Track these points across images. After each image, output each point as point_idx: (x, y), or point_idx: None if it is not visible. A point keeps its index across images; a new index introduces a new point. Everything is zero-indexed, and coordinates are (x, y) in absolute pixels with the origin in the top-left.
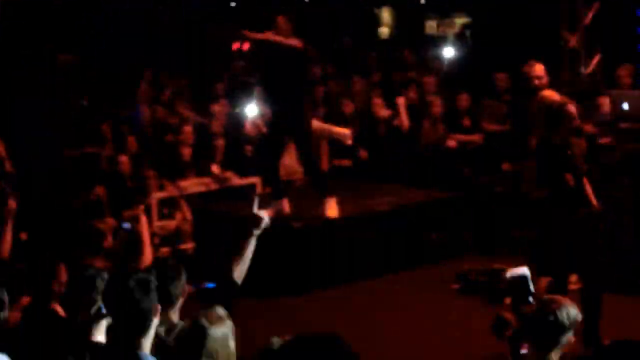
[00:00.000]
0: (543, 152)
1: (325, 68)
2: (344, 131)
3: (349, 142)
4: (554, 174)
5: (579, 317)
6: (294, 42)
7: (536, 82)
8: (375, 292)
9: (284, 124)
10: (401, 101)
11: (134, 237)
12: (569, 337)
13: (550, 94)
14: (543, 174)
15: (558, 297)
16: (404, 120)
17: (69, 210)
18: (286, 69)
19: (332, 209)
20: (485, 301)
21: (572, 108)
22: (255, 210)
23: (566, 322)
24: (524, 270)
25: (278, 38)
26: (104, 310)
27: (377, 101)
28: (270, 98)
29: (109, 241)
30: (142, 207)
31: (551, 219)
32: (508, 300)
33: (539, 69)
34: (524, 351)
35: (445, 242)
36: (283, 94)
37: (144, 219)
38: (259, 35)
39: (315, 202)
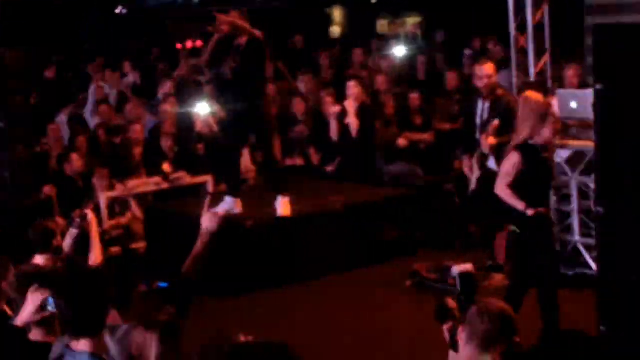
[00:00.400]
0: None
1: (276, 67)
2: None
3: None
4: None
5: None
6: (256, 32)
7: (486, 80)
8: (329, 290)
9: (246, 120)
10: (350, 105)
11: (83, 236)
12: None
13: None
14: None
15: (494, 300)
16: (354, 122)
17: (18, 210)
18: (247, 63)
19: (283, 207)
20: (438, 297)
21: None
22: (207, 209)
23: (499, 325)
24: (469, 266)
25: (243, 23)
26: (51, 307)
27: (328, 100)
28: (230, 95)
29: (58, 240)
30: (91, 206)
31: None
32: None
33: (488, 67)
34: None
35: (398, 240)
36: (245, 90)
37: (92, 218)
38: (228, 18)
39: (268, 201)
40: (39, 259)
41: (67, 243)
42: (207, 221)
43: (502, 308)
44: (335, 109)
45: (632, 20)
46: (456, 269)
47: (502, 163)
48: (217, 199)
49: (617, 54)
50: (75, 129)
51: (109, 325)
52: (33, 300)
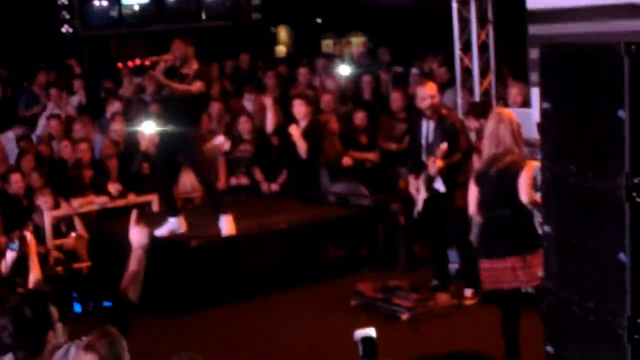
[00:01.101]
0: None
1: (222, 85)
2: (217, 142)
3: (226, 147)
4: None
5: None
6: (198, 86)
7: (428, 101)
8: (274, 310)
9: (173, 145)
10: (294, 129)
11: (23, 257)
12: None
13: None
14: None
15: None
16: (302, 146)
17: None
18: (182, 103)
19: (228, 226)
20: (383, 317)
21: None
22: (134, 225)
23: None
24: (371, 330)
25: (181, 87)
26: None
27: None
28: (162, 119)
29: None
30: (30, 227)
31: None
32: (405, 317)
33: (430, 88)
34: None
35: (343, 259)
36: (173, 117)
37: (31, 240)
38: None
39: (213, 220)
40: None
41: (5, 265)
42: (136, 235)
43: None
44: (295, 130)
45: (574, 28)
46: (358, 334)
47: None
48: (143, 216)
49: (563, 73)
50: (22, 147)
51: (51, 345)
52: None
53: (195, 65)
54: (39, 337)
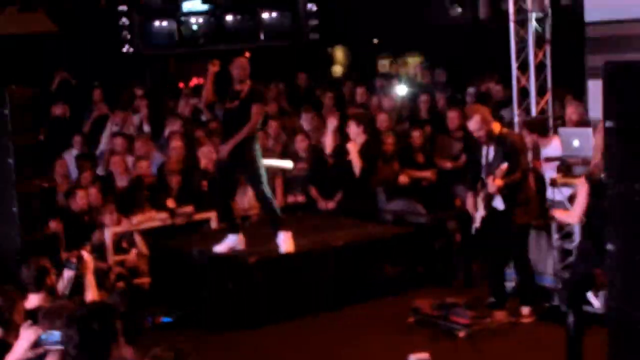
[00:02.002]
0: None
1: (280, 104)
2: (286, 164)
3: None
4: None
5: None
6: (258, 111)
7: (477, 133)
8: (331, 327)
9: (233, 162)
10: (352, 146)
11: (79, 277)
12: None
13: None
14: None
15: None
16: (357, 163)
17: (25, 244)
18: (245, 109)
19: (286, 243)
20: (440, 334)
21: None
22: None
23: None
24: (425, 356)
25: (250, 128)
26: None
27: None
28: (222, 136)
29: (52, 279)
30: (88, 247)
31: None
32: (462, 334)
33: (473, 124)
34: None
35: (399, 277)
36: (232, 134)
37: (88, 259)
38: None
39: (271, 237)
40: (33, 298)
41: (62, 284)
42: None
43: None
44: (353, 146)
45: (634, 57)
46: (413, 358)
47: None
48: (220, 236)
49: (628, 91)
50: (83, 165)
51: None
52: (26, 336)
53: (248, 83)
54: (103, 350)
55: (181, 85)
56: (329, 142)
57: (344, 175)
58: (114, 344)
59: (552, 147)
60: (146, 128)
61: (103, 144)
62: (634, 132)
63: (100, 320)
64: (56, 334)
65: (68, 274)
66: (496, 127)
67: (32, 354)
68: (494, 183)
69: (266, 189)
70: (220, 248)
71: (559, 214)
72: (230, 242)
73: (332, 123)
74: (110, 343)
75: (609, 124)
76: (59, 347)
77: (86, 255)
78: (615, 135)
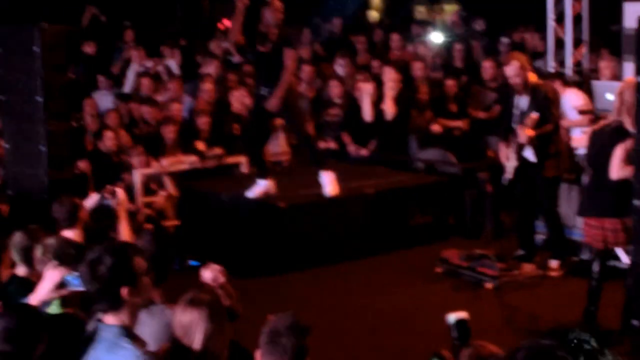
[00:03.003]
0: None
1: (314, 49)
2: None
3: None
4: None
5: None
6: (291, 56)
7: (514, 80)
8: (359, 274)
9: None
10: (387, 89)
11: (112, 212)
12: None
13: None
14: None
15: (486, 344)
16: (390, 107)
17: (53, 183)
18: (277, 53)
19: (330, 185)
20: (468, 285)
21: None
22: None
23: None
24: (464, 314)
25: (287, 80)
26: (69, 285)
27: (361, 85)
28: (257, 80)
29: (84, 214)
30: (122, 184)
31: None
32: (489, 285)
33: (510, 69)
34: None
35: (429, 226)
36: (271, 76)
37: (122, 196)
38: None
39: (302, 182)
40: (67, 234)
41: (89, 204)
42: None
43: (493, 352)
44: (369, 87)
45: None
46: (452, 317)
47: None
48: (250, 181)
49: None
50: (116, 105)
51: (145, 302)
52: (51, 277)
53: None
54: (114, 290)
55: (220, 26)
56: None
57: (377, 123)
58: (128, 285)
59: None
60: (175, 69)
61: (128, 84)
62: None
63: (114, 258)
64: (77, 280)
65: (103, 207)
66: (532, 77)
67: (56, 294)
68: (525, 133)
69: (307, 130)
70: (252, 193)
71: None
72: (262, 187)
73: (368, 89)
74: (122, 283)
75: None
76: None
77: (120, 191)
78: None
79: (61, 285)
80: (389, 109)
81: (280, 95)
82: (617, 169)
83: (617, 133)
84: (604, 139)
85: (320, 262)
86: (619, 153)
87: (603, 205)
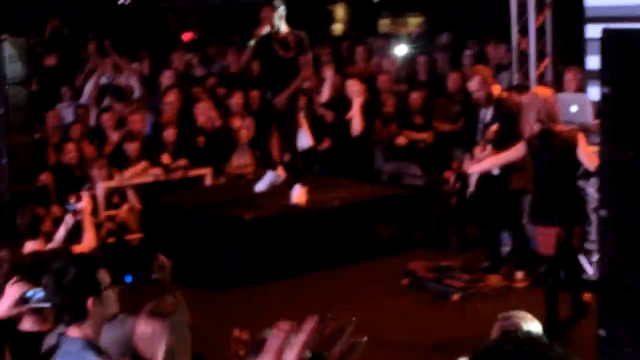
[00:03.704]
0: None
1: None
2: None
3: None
4: None
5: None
6: (309, 59)
7: (477, 94)
8: (324, 287)
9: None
10: (357, 103)
11: (77, 221)
12: None
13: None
14: None
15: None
16: (356, 120)
17: (14, 196)
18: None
19: (301, 196)
20: (434, 297)
21: None
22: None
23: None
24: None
25: (305, 77)
26: (31, 301)
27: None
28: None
29: (48, 226)
30: (87, 192)
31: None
32: (456, 297)
33: (473, 84)
34: None
35: (395, 238)
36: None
37: (88, 202)
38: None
39: (267, 195)
40: (30, 245)
41: (61, 230)
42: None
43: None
44: (330, 72)
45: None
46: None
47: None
48: (215, 192)
49: (625, 58)
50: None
51: (99, 313)
52: (11, 293)
53: (285, 28)
54: (79, 301)
55: (183, 38)
56: (325, 93)
57: (341, 135)
58: (92, 296)
59: None
60: (135, 83)
61: (86, 95)
62: (629, 99)
63: (78, 269)
64: (41, 293)
65: (67, 221)
66: (496, 89)
67: (16, 311)
68: (484, 149)
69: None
70: (261, 186)
71: None
72: (271, 178)
73: (328, 73)
74: (86, 295)
75: (604, 90)
76: (46, 304)
77: (85, 196)
78: (611, 102)
79: (23, 300)
80: (356, 121)
81: (290, 92)
82: (594, 160)
83: (565, 139)
84: (551, 147)
85: (285, 274)
86: (588, 150)
87: (553, 212)
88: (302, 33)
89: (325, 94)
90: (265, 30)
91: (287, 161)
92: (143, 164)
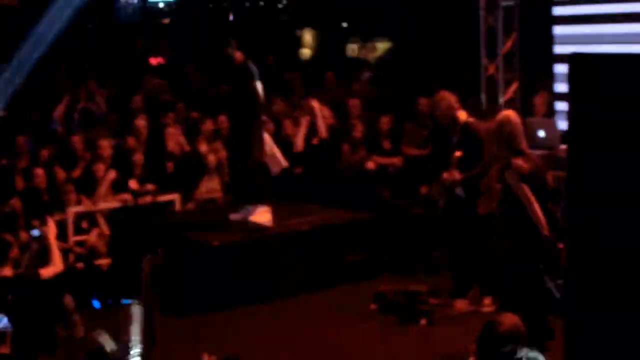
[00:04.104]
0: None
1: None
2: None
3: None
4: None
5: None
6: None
7: (445, 120)
8: (293, 312)
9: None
10: (320, 124)
11: (43, 246)
12: None
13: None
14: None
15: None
16: (322, 127)
17: None
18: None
19: (262, 215)
20: (402, 321)
21: None
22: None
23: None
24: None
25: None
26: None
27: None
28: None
29: (15, 252)
30: (52, 217)
31: None
32: (424, 321)
33: (441, 107)
34: None
35: (363, 262)
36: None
37: (52, 227)
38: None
39: (236, 222)
40: None
41: (26, 257)
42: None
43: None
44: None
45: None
46: None
47: None
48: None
49: (592, 82)
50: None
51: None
52: None
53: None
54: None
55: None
56: (322, 127)
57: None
58: (60, 321)
59: None
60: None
61: (56, 120)
62: (596, 123)
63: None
64: (4, 318)
65: (33, 247)
66: (462, 115)
67: None
68: (450, 176)
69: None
70: (236, 216)
71: None
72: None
73: (315, 104)
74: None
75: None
76: (8, 329)
77: (51, 221)
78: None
79: None
80: (299, 142)
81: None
82: None
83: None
84: None
85: (254, 299)
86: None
87: None
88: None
89: (321, 128)
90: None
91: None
92: (112, 174)
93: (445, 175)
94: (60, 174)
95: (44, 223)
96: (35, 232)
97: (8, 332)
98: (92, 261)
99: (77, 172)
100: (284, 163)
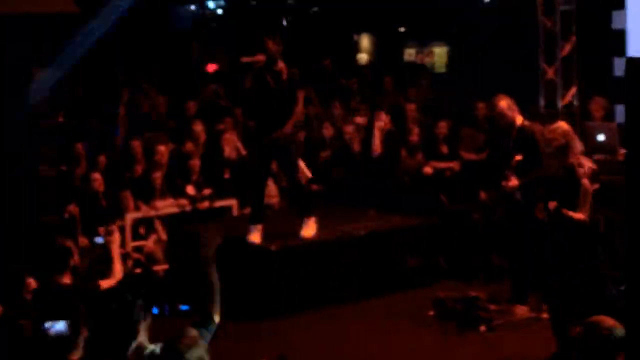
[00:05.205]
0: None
1: (305, 91)
2: (307, 173)
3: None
4: None
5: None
6: (301, 95)
7: (502, 121)
8: (351, 318)
9: (272, 145)
10: (376, 131)
11: (105, 254)
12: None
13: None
14: None
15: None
16: (377, 149)
17: (40, 228)
18: (276, 92)
19: (309, 228)
20: (461, 328)
21: None
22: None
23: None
24: None
25: (299, 111)
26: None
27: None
28: (259, 121)
29: (75, 259)
30: (116, 224)
31: None
32: (483, 328)
33: (500, 107)
34: None
35: (421, 268)
36: (273, 117)
37: (116, 236)
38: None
39: (292, 226)
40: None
41: (85, 264)
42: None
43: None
44: (381, 123)
45: None
46: None
47: None
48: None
49: None
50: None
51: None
52: None
53: (281, 64)
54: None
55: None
56: (377, 144)
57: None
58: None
59: None
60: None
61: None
62: None
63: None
64: (61, 323)
65: (95, 250)
66: (519, 118)
67: None
68: (509, 182)
69: (298, 175)
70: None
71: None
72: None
73: (379, 123)
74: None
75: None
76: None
77: (116, 231)
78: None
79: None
80: (377, 150)
81: (291, 124)
82: None
83: None
84: None
85: (312, 305)
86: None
87: None
88: (294, 70)
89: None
90: (260, 60)
91: (298, 195)
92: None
93: (504, 183)
94: (118, 179)
95: (109, 231)
96: (99, 240)
97: (81, 338)
98: (150, 267)
99: (135, 177)
100: (308, 174)
